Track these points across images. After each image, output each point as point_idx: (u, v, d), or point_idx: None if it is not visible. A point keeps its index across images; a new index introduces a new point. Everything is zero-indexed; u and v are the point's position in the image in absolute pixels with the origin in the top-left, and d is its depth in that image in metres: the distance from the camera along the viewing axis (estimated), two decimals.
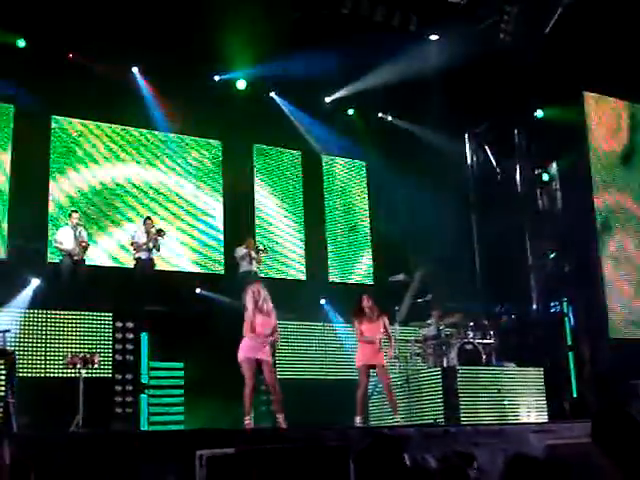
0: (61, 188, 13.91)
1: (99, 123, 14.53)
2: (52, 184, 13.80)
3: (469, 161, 17.14)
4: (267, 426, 10.51)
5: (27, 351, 10.55)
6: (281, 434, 8.58)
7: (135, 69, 14.50)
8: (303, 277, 15.89)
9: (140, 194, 14.71)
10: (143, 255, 12.81)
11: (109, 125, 14.63)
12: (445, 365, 11.64)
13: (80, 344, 10.74)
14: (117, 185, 14.53)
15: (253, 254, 13.54)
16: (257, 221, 15.68)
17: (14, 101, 13.51)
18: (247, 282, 10.88)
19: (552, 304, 15.64)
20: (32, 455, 5.15)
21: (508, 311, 15.38)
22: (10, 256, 13.08)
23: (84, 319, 11.04)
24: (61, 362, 10.20)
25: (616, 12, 13.91)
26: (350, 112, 16.79)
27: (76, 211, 12.79)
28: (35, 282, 11.98)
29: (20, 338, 10.53)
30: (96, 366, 9.75)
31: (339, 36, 13.73)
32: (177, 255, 14.73)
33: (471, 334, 12.19)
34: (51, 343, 10.76)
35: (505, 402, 11.23)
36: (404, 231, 15.51)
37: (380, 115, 17.07)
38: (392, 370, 11.21)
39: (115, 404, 10.88)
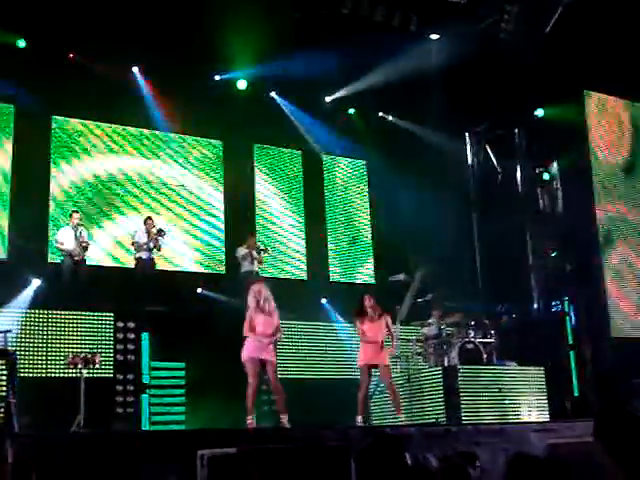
0: (60, 184, 13.91)
1: (99, 123, 14.53)
2: (52, 183, 13.81)
3: (470, 160, 17.14)
4: (268, 426, 10.51)
5: (28, 351, 10.55)
6: (282, 434, 8.58)
7: (135, 69, 14.50)
8: (304, 277, 15.90)
9: (141, 193, 14.71)
10: (144, 255, 12.81)
11: (109, 125, 14.63)
12: (446, 364, 11.64)
13: (81, 344, 10.74)
14: (117, 184, 14.53)
15: (254, 254, 13.53)
16: (258, 221, 15.67)
17: (14, 101, 13.51)
18: (250, 282, 10.90)
19: (553, 303, 15.63)
20: (33, 455, 5.16)
21: (509, 310, 15.36)
22: (11, 256, 13.08)
23: (85, 319, 11.04)
24: (62, 362, 10.20)
25: (616, 11, 13.90)
26: (350, 112, 16.80)
27: (77, 211, 12.79)
28: (36, 282, 11.99)
29: (21, 338, 10.53)
30: (97, 366, 9.76)
31: (339, 36, 13.73)
32: (179, 255, 14.73)
33: (472, 333, 12.19)
34: (52, 343, 10.76)
35: (506, 401, 11.22)
36: (405, 231, 15.51)
37: (380, 114, 17.07)
38: (393, 369, 11.20)
39: (116, 404, 10.88)
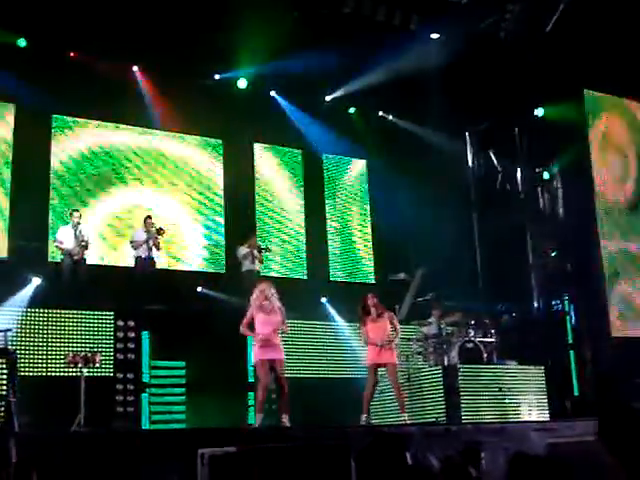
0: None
1: (99, 122, 14.53)
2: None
3: (470, 160, 17.13)
4: (268, 425, 10.51)
5: (28, 350, 10.55)
6: (282, 433, 8.59)
7: (136, 68, 14.50)
8: (304, 276, 15.90)
9: (139, 193, 14.73)
10: (143, 254, 12.80)
11: (109, 123, 14.64)
12: (446, 364, 11.64)
13: (81, 343, 10.75)
14: (116, 184, 14.56)
15: (255, 253, 13.54)
16: (258, 220, 15.67)
17: (15, 100, 13.52)
18: (255, 282, 10.96)
19: (553, 302, 15.63)
20: (34, 454, 5.17)
21: (509, 310, 15.37)
22: (11, 255, 13.08)
23: (85, 318, 11.04)
24: (62, 361, 10.20)
25: (617, 10, 13.89)
26: (351, 111, 16.80)
27: (77, 210, 12.79)
28: (36, 281, 11.98)
29: (21, 337, 10.52)
30: (97, 365, 9.76)
31: (339, 35, 13.73)
32: (179, 254, 14.74)
33: (472, 332, 12.19)
34: (52, 342, 10.75)
35: (506, 400, 11.23)
36: (405, 230, 15.51)
37: (381, 114, 17.07)
38: None
39: (116, 403, 10.88)
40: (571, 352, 14.85)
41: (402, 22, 14.38)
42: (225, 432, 7.77)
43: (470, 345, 11.93)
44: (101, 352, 10.28)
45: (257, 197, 15.87)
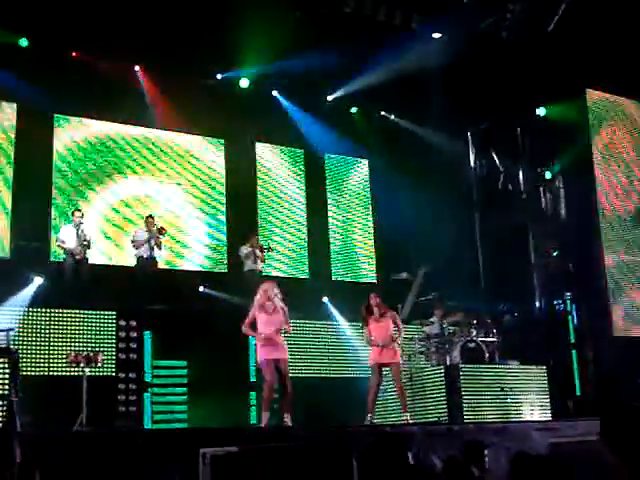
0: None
1: (100, 121, 14.54)
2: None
3: (472, 159, 17.12)
4: (270, 424, 10.51)
5: (30, 350, 10.55)
6: (284, 432, 8.59)
7: (137, 67, 14.51)
8: (306, 275, 15.90)
9: (142, 192, 14.73)
10: (144, 253, 12.81)
11: (111, 123, 14.66)
12: (448, 363, 11.63)
13: (83, 343, 10.75)
14: (115, 184, 14.57)
15: (257, 252, 13.54)
16: (259, 219, 15.68)
17: (17, 99, 13.53)
18: (257, 281, 10.97)
19: (555, 302, 15.62)
20: (36, 454, 5.17)
21: (511, 309, 15.37)
22: (13, 255, 13.10)
23: (87, 318, 11.04)
24: (64, 361, 10.20)
25: (619, 9, 13.87)
26: (353, 110, 16.80)
27: (79, 209, 12.79)
28: (38, 281, 11.99)
29: (23, 337, 10.53)
30: (99, 365, 9.76)
31: (341, 35, 13.74)
32: (181, 254, 14.75)
33: (474, 332, 12.18)
34: (54, 342, 10.76)
35: (508, 400, 11.22)
36: (407, 229, 15.50)
37: (382, 113, 17.07)
38: None
39: (118, 402, 10.89)
40: (573, 352, 14.84)
41: (403, 22, 14.38)
42: (227, 432, 7.77)
43: (472, 345, 11.92)
44: (103, 352, 10.28)
45: (259, 196, 15.87)
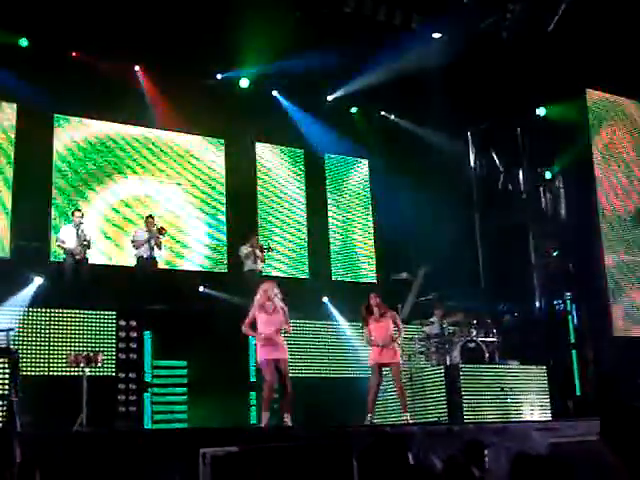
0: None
1: (100, 122, 14.54)
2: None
3: (472, 159, 17.12)
4: (271, 424, 10.50)
5: (30, 350, 10.55)
6: (284, 432, 8.59)
7: (137, 67, 14.51)
8: (306, 275, 15.91)
9: (142, 192, 14.73)
10: (144, 253, 12.81)
11: (110, 123, 14.66)
12: (448, 363, 11.63)
13: (83, 343, 10.76)
14: (115, 184, 14.58)
15: (257, 252, 13.54)
16: (259, 219, 15.68)
17: (17, 99, 13.53)
18: (257, 281, 10.96)
19: (555, 302, 15.61)
20: (36, 454, 5.17)
21: (511, 309, 15.36)
22: (13, 255, 13.10)
23: (87, 318, 11.04)
24: (64, 361, 10.20)
25: (619, 9, 13.87)
26: (353, 110, 16.81)
27: (79, 210, 12.79)
28: (38, 281, 11.99)
29: (23, 337, 10.53)
30: (99, 365, 9.76)
31: (341, 35, 13.74)
32: (181, 254, 14.76)
33: (474, 332, 12.18)
34: (54, 342, 10.76)
35: (508, 400, 11.22)
36: (407, 229, 15.50)
37: (382, 114, 17.07)
38: None
39: (118, 403, 10.89)
40: (573, 352, 14.83)
41: (403, 22, 14.38)
42: (227, 432, 7.77)
43: (472, 345, 11.92)
44: (103, 352, 10.28)
45: (259, 196, 15.87)
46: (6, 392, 8.92)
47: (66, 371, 10.23)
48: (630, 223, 15.57)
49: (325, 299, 14.28)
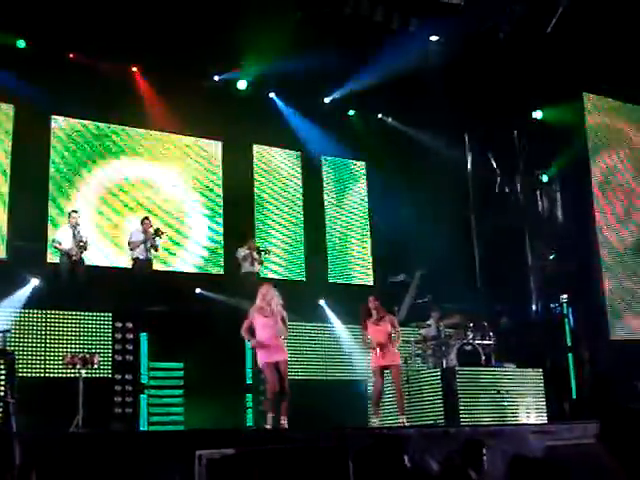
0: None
1: (99, 123, 14.54)
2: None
3: (469, 162, 17.13)
4: (267, 426, 10.49)
5: (27, 351, 10.54)
6: (280, 434, 8.59)
7: (135, 69, 14.51)
8: (302, 278, 15.90)
9: (138, 194, 14.72)
10: (140, 255, 12.79)
11: (108, 125, 14.65)
12: (445, 366, 11.64)
13: (80, 344, 10.74)
14: (114, 185, 14.57)
15: (255, 255, 13.54)
16: (257, 221, 15.68)
17: (14, 101, 13.52)
18: (254, 284, 10.94)
19: (552, 305, 15.63)
20: (32, 455, 5.16)
21: (508, 312, 15.36)
22: (10, 256, 13.08)
23: (84, 319, 11.04)
24: (61, 362, 10.19)
25: (616, 12, 13.90)
26: (350, 113, 16.81)
27: (75, 211, 12.77)
28: (35, 282, 11.97)
29: (20, 338, 10.52)
30: (96, 366, 9.73)
31: (339, 37, 13.75)
32: (178, 255, 14.75)
33: (471, 335, 12.19)
34: (51, 343, 10.75)
35: (505, 403, 11.22)
36: (404, 232, 15.50)
37: (380, 116, 17.09)
38: None
39: (115, 404, 10.88)
40: (569, 355, 14.84)
41: (401, 24, 14.39)
42: (223, 434, 7.76)
43: (469, 347, 11.93)
44: (99, 353, 10.26)
45: (256, 199, 15.86)
46: (2, 393, 8.91)
47: (62, 373, 10.21)
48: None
49: (321, 302, 14.28)
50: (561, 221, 15.99)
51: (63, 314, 10.95)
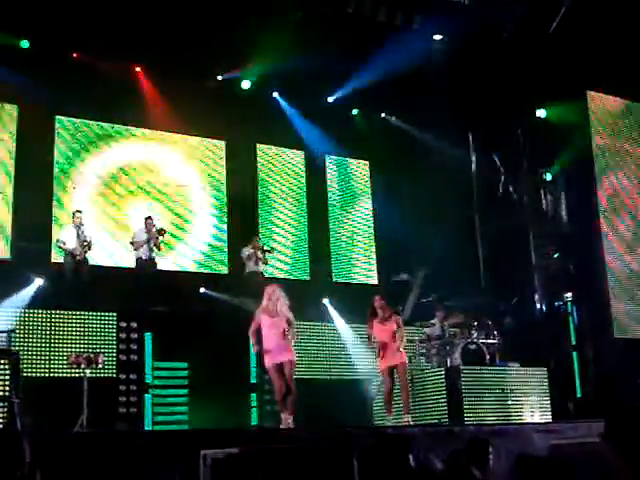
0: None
1: (102, 123, 14.55)
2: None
3: (472, 161, 17.11)
4: (271, 426, 10.52)
5: (31, 351, 10.55)
6: (285, 434, 8.59)
7: (138, 69, 14.52)
8: (306, 277, 15.90)
9: (142, 193, 14.74)
10: (143, 255, 12.80)
11: (112, 124, 14.67)
12: (449, 365, 11.63)
13: (84, 344, 10.75)
14: (120, 185, 14.60)
15: (259, 254, 13.54)
16: (260, 221, 15.68)
17: (17, 100, 13.53)
18: (259, 283, 10.94)
19: (556, 304, 15.61)
20: (36, 455, 5.15)
21: (512, 311, 15.35)
22: (14, 256, 13.10)
23: (88, 319, 11.05)
24: (65, 362, 10.20)
25: (619, 11, 13.88)
26: (354, 112, 16.81)
27: (79, 211, 12.79)
28: (39, 282, 11.99)
29: (24, 338, 10.54)
30: (100, 366, 9.75)
31: (342, 36, 13.74)
32: (182, 255, 14.77)
33: (475, 334, 12.19)
34: (55, 343, 10.76)
35: (509, 402, 11.22)
36: (407, 231, 15.50)
37: (383, 115, 17.08)
38: None
39: (119, 404, 10.88)
40: (574, 353, 14.83)
41: (404, 23, 14.38)
42: (228, 433, 7.76)
43: (473, 346, 11.93)
44: (104, 353, 10.27)
45: (260, 198, 15.87)
46: (7, 393, 8.93)
47: (67, 372, 10.23)
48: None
49: (325, 301, 14.28)
50: (565, 219, 15.96)
51: (67, 314, 10.97)
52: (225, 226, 15.38)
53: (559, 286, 15.60)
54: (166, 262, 14.10)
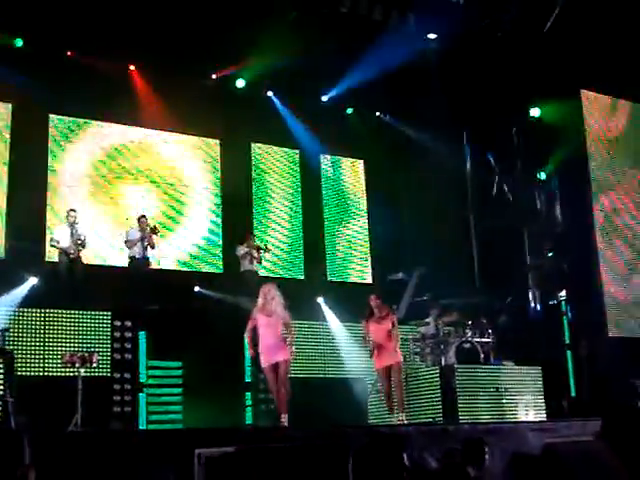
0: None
1: (96, 122, 14.53)
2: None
3: (467, 160, 17.13)
4: (265, 425, 10.51)
5: (25, 350, 10.53)
6: (280, 433, 8.59)
7: (133, 67, 14.50)
8: (301, 276, 15.90)
9: (137, 191, 14.72)
10: (137, 254, 12.79)
11: (108, 123, 14.65)
12: (443, 364, 11.64)
13: (78, 343, 10.74)
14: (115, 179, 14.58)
15: (254, 253, 13.53)
16: (255, 220, 15.67)
17: (12, 99, 13.51)
18: (254, 282, 10.92)
19: (550, 302, 15.64)
20: (31, 454, 5.16)
21: (506, 309, 15.37)
22: (8, 255, 13.08)
23: (82, 318, 11.03)
24: (59, 361, 10.19)
25: (614, 10, 13.91)
26: (349, 111, 16.81)
27: (73, 209, 12.75)
28: (33, 281, 11.97)
29: (18, 337, 10.52)
30: (94, 365, 9.72)
31: (336, 35, 13.74)
32: (176, 253, 14.76)
33: (469, 333, 12.19)
34: (49, 342, 10.75)
35: (503, 401, 11.23)
36: (402, 230, 15.51)
37: (378, 114, 17.08)
38: None
39: (113, 403, 10.86)
40: (568, 352, 14.86)
41: (399, 22, 14.38)
42: (222, 432, 7.76)
43: (467, 345, 11.94)
44: (98, 352, 10.23)
45: (255, 197, 15.86)
46: (1, 392, 8.91)
47: (61, 371, 10.20)
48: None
49: (320, 300, 14.27)
50: (559, 218, 15.99)
51: (61, 313, 10.95)
52: (219, 225, 15.36)
53: (553, 285, 15.64)
54: (164, 261, 14.11)
